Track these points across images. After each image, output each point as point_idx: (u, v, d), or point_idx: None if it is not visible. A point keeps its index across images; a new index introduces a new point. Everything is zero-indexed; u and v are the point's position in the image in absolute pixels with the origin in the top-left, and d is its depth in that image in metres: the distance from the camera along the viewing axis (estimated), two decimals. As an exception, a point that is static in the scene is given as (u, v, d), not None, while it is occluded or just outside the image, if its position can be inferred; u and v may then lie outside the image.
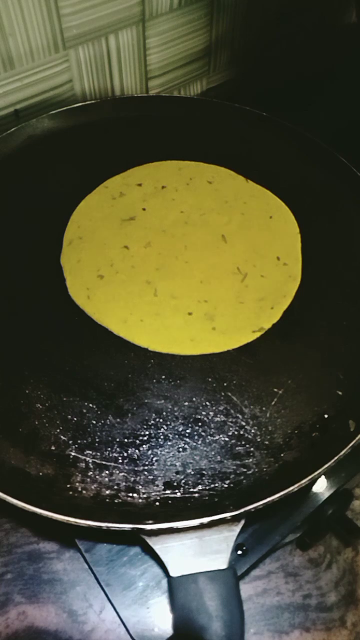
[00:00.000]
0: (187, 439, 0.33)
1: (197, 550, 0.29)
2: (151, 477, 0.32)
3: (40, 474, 0.32)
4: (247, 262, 0.42)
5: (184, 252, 0.43)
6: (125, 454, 0.33)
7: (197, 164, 0.49)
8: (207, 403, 0.35)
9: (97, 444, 0.33)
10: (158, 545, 0.30)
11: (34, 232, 0.43)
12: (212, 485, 0.32)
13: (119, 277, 0.41)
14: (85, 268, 0.41)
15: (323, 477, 0.36)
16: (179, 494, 0.31)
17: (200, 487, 0.31)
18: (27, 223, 0.44)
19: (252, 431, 0.34)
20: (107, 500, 0.31)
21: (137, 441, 0.33)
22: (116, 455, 0.33)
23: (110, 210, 0.45)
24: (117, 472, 0.32)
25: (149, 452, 0.33)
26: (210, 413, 0.34)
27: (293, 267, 0.42)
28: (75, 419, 0.34)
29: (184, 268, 0.42)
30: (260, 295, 0.40)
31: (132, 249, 0.43)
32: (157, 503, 0.31)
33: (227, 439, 0.33)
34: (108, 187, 0.47)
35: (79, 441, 0.33)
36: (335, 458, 0.31)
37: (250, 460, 0.33)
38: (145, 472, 0.32)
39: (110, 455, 0.33)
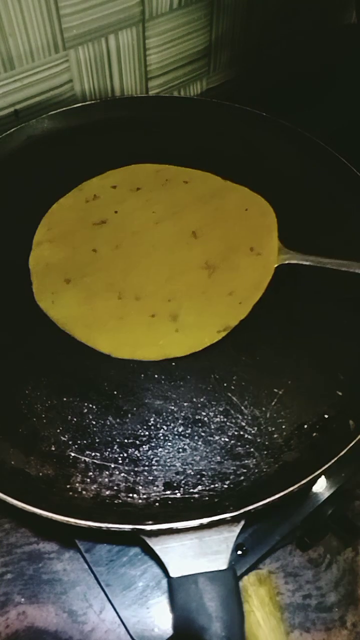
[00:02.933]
0: (187, 440, 0.33)
1: (197, 551, 0.29)
2: (151, 478, 0.32)
3: (40, 474, 0.32)
4: (216, 256, 0.41)
5: (152, 252, 0.41)
6: (125, 455, 0.33)
7: (176, 168, 0.48)
8: (207, 403, 0.35)
9: (97, 445, 0.33)
10: (158, 545, 0.30)
11: (30, 232, 0.43)
12: (212, 486, 0.32)
13: (84, 281, 0.40)
14: (53, 272, 0.40)
15: (323, 477, 0.36)
16: (179, 495, 0.31)
17: (200, 487, 0.31)
18: (25, 224, 0.44)
19: (252, 432, 0.34)
20: (107, 500, 0.31)
21: (137, 442, 0.33)
22: (116, 455, 0.33)
23: (82, 213, 0.44)
24: (117, 472, 0.32)
25: (149, 452, 0.33)
26: (210, 413, 0.34)
27: (268, 256, 0.40)
28: (75, 419, 0.34)
29: (150, 267, 0.40)
30: (229, 289, 0.39)
31: (100, 252, 0.41)
32: (157, 504, 0.31)
33: (227, 440, 0.33)
34: (82, 189, 0.46)
35: (79, 442, 0.33)
36: (335, 458, 0.31)
37: (250, 460, 0.33)
38: (145, 473, 0.32)
39: (110, 455, 0.33)
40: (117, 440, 0.33)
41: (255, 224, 0.43)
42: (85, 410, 0.34)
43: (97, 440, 0.33)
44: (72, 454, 0.33)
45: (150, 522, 0.29)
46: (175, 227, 0.43)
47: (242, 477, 0.32)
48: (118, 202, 0.45)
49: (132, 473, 0.32)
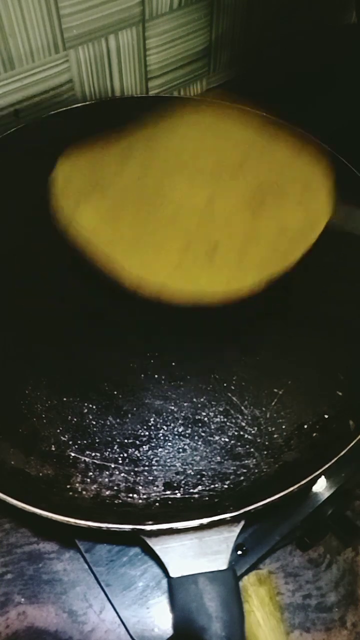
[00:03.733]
0: (187, 440, 0.33)
1: (197, 551, 0.30)
2: (151, 478, 0.32)
3: (40, 474, 0.32)
4: (265, 190, 0.34)
5: (195, 176, 0.35)
6: (125, 455, 0.33)
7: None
8: (207, 403, 0.35)
9: (97, 445, 0.33)
10: (158, 545, 0.30)
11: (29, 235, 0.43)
12: (212, 486, 0.32)
13: (113, 190, 0.34)
14: (79, 177, 0.35)
15: (323, 477, 0.36)
16: (179, 495, 0.31)
17: (200, 487, 0.31)
18: (21, 226, 0.44)
19: (252, 432, 0.34)
20: (107, 500, 0.31)
21: (137, 442, 0.33)
22: (116, 455, 0.33)
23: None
24: (117, 472, 0.32)
25: (149, 452, 0.33)
26: (210, 413, 0.34)
27: (319, 202, 0.35)
28: (75, 419, 0.34)
29: (188, 187, 0.34)
30: (277, 228, 0.33)
31: (128, 167, 0.36)
32: (157, 504, 0.31)
33: (227, 440, 0.33)
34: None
35: (79, 442, 0.33)
36: (335, 458, 0.31)
37: (250, 460, 0.33)
38: (145, 473, 0.32)
39: (110, 455, 0.33)
40: (117, 440, 0.33)
41: (308, 169, 0.37)
42: (85, 410, 0.34)
43: (97, 440, 0.33)
44: (72, 454, 0.33)
45: (150, 522, 0.29)
46: (222, 158, 0.37)
47: (242, 477, 0.32)
48: (153, 137, 0.39)
49: (132, 473, 0.32)
